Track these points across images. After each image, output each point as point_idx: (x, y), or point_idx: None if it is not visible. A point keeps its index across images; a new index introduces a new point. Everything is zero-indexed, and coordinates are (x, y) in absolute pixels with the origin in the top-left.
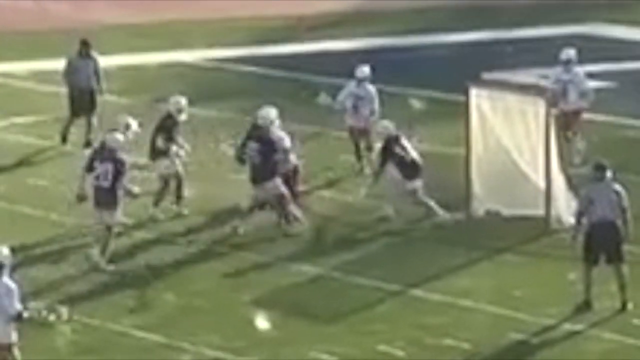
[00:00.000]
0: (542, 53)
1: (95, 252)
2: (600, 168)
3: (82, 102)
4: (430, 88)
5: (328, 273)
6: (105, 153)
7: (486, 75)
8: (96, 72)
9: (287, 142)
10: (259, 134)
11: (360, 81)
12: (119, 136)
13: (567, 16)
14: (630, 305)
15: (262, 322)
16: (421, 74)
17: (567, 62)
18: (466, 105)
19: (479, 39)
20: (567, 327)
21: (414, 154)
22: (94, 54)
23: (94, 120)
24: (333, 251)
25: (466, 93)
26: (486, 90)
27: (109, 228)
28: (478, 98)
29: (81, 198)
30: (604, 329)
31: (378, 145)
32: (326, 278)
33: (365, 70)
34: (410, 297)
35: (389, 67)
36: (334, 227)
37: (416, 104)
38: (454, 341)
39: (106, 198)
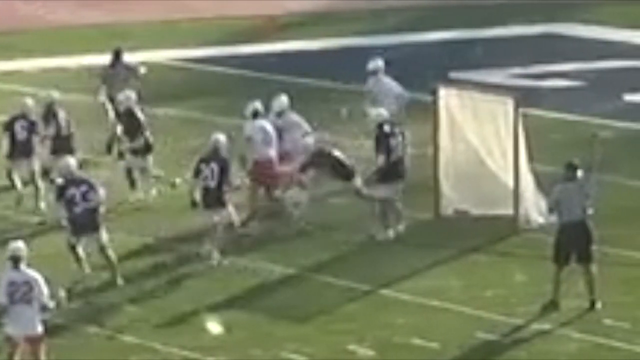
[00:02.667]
0: (512, 53)
1: (207, 250)
2: (571, 167)
3: (117, 112)
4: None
5: (298, 273)
6: (210, 154)
7: (454, 75)
8: (130, 81)
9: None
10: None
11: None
12: (222, 136)
13: (537, 16)
14: (599, 305)
15: (231, 323)
16: (389, 73)
17: (375, 73)
18: (434, 105)
19: (448, 39)
20: (536, 326)
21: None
22: (129, 61)
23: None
24: (303, 251)
25: (434, 93)
26: (455, 90)
27: (216, 226)
28: (446, 98)
29: (194, 204)
30: (574, 328)
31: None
32: (296, 278)
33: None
34: (379, 297)
35: (358, 67)
36: (304, 227)
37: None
38: (423, 341)
39: (215, 197)
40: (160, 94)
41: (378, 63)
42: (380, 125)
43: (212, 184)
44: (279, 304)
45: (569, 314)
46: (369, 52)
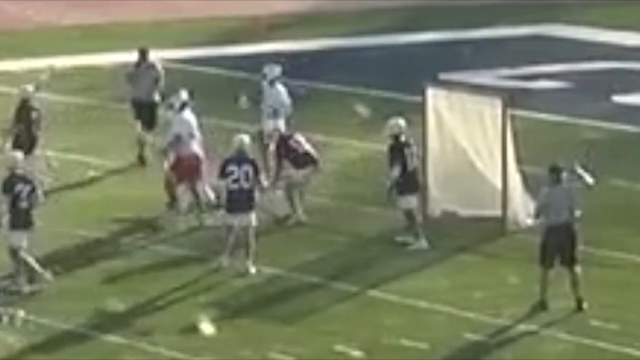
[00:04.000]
0: (501, 54)
1: (225, 259)
2: (555, 170)
3: (141, 115)
4: (387, 89)
5: (285, 273)
6: (241, 156)
7: (443, 76)
8: (157, 82)
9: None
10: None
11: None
12: (246, 137)
13: (524, 17)
14: (585, 305)
15: (219, 323)
16: (378, 74)
17: (273, 82)
18: (423, 106)
19: (436, 40)
20: (524, 327)
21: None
22: (155, 62)
23: (149, 137)
24: (290, 251)
25: (423, 94)
26: (443, 90)
27: (246, 229)
28: (435, 99)
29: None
30: (561, 329)
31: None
32: (284, 278)
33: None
34: (367, 298)
35: (345, 68)
36: (290, 227)
37: (361, 109)
38: (410, 341)
39: (247, 199)
40: None
41: (276, 71)
42: (396, 137)
43: (247, 185)
44: (267, 304)
45: (557, 315)
46: (356, 53)
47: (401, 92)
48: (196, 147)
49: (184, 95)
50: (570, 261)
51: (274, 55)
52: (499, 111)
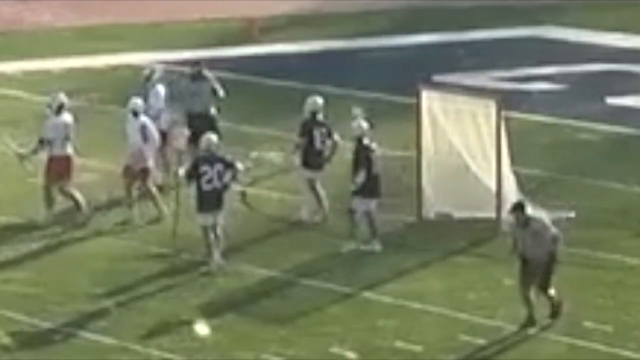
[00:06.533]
0: (496, 55)
1: (217, 257)
2: (517, 209)
3: (201, 128)
4: (382, 90)
5: (280, 275)
6: (212, 156)
7: (437, 78)
8: (213, 93)
9: None
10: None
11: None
12: (214, 136)
13: (519, 19)
14: (560, 309)
15: (213, 324)
16: (372, 76)
17: (154, 85)
18: (417, 108)
19: (431, 41)
20: (518, 329)
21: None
22: (208, 74)
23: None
24: (285, 253)
25: (417, 95)
26: (437, 92)
27: (216, 226)
28: (429, 100)
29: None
30: (555, 331)
31: None
32: (278, 280)
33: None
34: (362, 300)
35: (340, 70)
36: (283, 229)
37: (357, 111)
38: (405, 343)
39: (217, 198)
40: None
41: (156, 73)
42: (359, 139)
43: (219, 185)
44: (261, 306)
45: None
46: (351, 55)
47: (396, 94)
48: (69, 149)
49: (61, 97)
50: (543, 288)
51: (269, 57)
52: (493, 112)
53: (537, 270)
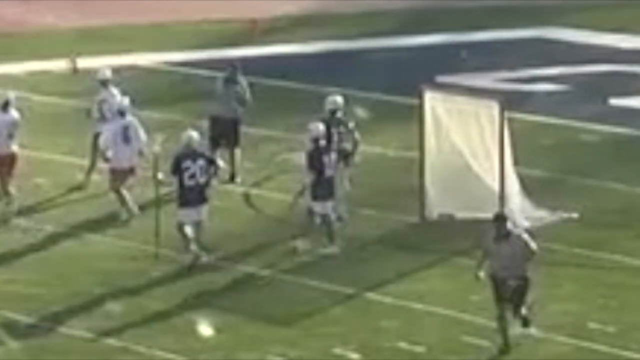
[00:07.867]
0: (499, 56)
1: (195, 249)
2: (498, 221)
3: (224, 132)
4: (385, 91)
5: (283, 276)
6: (193, 152)
7: (440, 79)
8: (242, 98)
9: None
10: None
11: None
12: (196, 134)
13: (522, 20)
14: (532, 330)
15: (216, 325)
16: (375, 77)
17: (105, 84)
18: (420, 109)
19: (434, 42)
20: (521, 330)
21: None
22: (241, 78)
23: (238, 152)
24: (287, 254)
25: (420, 96)
26: (440, 93)
27: (199, 222)
28: (432, 101)
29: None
30: (558, 332)
31: None
32: (281, 281)
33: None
34: (365, 300)
35: (343, 70)
36: (285, 229)
37: (360, 112)
38: (408, 344)
39: (201, 194)
40: (145, 97)
41: (106, 73)
42: (316, 140)
43: (202, 180)
44: (264, 307)
45: (553, 318)
46: (355, 56)
47: (399, 95)
48: (14, 147)
49: (8, 94)
50: (515, 311)
51: (272, 58)
52: (496, 113)
53: (507, 295)
